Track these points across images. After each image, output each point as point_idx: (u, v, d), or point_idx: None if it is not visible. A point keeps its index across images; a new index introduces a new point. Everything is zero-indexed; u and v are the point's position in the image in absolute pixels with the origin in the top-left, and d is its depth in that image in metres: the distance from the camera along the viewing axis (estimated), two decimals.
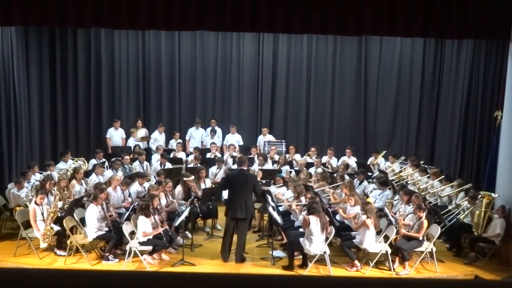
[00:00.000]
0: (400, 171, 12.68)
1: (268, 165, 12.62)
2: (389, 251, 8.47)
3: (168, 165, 12.32)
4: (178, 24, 8.73)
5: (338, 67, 15.70)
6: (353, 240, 8.64)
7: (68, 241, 8.65)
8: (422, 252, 8.63)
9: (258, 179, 11.25)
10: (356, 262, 8.55)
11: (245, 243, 8.91)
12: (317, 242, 8.10)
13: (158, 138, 14.31)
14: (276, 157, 13.12)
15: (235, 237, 8.81)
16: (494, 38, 10.29)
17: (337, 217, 9.56)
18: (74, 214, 8.71)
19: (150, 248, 8.46)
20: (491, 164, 10.29)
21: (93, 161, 12.33)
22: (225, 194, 10.01)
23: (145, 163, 12.48)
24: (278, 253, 9.14)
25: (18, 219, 8.89)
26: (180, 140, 14.14)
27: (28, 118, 12.57)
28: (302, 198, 9.39)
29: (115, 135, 14.24)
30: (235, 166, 11.80)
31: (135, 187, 10.36)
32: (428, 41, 14.95)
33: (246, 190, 8.66)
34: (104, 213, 8.83)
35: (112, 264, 8.53)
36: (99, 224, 8.64)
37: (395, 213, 9.25)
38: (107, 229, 8.75)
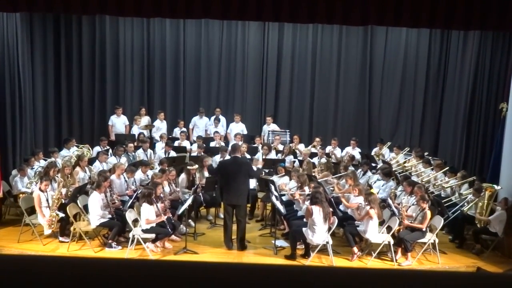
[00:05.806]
0: (404, 162, 12.66)
1: (272, 155, 12.60)
2: (392, 241, 8.48)
3: (173, 154, 12.34)
4: (183, 12, 8.68)
5: (343, 57, 15.62)
6: (357, 228, 8.67)
7: (72, 228, 8.70)
8: (425, 243, 8.65)
9: (260, 166, 11.31)
10: (355, 249, 8.55)
11: (245, 229, 8.94)
12: (319, 232, 8.12)
13: (160, 126, 14.30)
14: (280, 147, 13.09)
15: (235, 225, 8.88)
16: (501, 29, 10.22)
17: (341, 207, 9.57)
18: (78, 201, 8.76)
19: (153, 236, 8.49)
20: (495, 156, 10.26)
21: (97, 149, 12.37)
22: None
23: (149, 151, 12.48)
24: (281, 242, 9.17)
25: (22, 206, 8.94)
26: (184, 129, 14.13)
27: (33, 105, 12.58)
28: (306, 188, 9.39)
29: (118, 122, 14.21)
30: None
31: (138, 175, 10.38)
32: (434, 32, 14.84)
33: (241, 177, 8.73)
34: (107, 201, 8.87)
35: (115, 252, 8.58)
36: (102, 211, 8.67)
37: (398, 204, 9.25)
38: (110, 216, 8.78)
